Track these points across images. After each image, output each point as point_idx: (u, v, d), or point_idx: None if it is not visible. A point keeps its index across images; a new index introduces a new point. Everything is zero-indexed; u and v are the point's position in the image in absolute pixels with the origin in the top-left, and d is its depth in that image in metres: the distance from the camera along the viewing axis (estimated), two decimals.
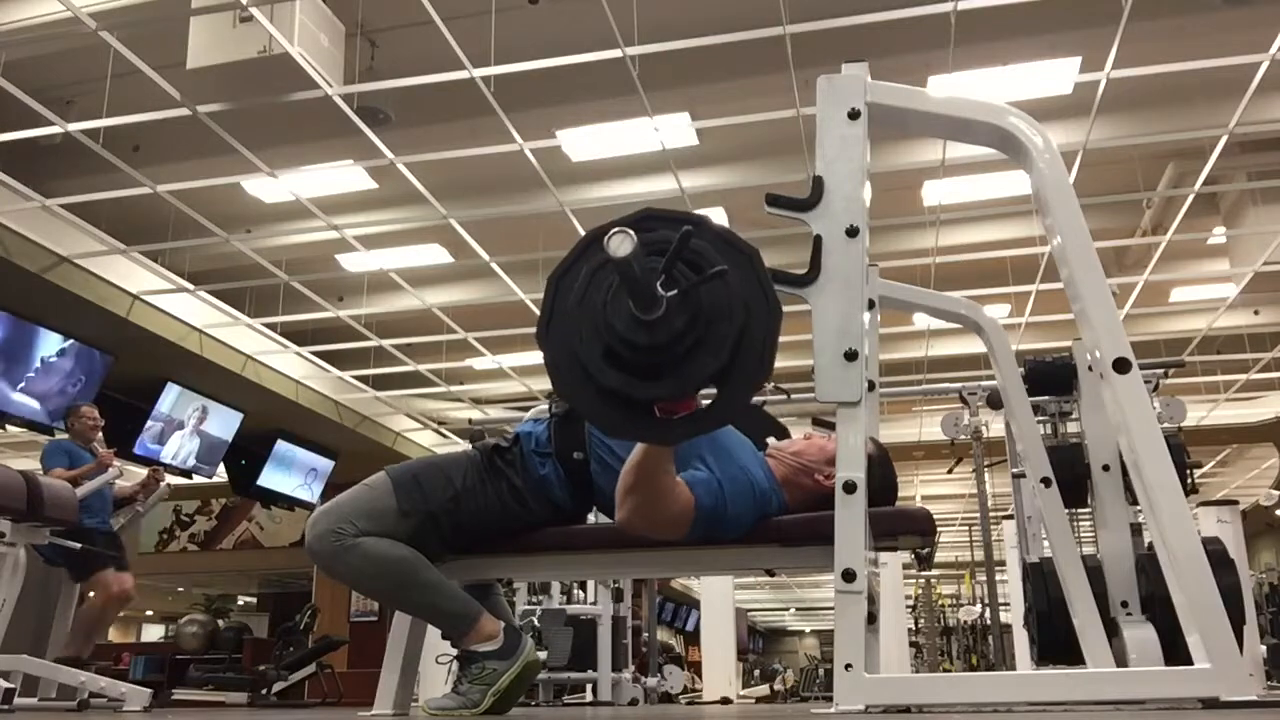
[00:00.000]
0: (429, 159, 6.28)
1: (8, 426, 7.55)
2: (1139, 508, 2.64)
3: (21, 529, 3.68)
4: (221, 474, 10.26)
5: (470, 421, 7.61)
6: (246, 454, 10.23)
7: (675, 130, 6.17)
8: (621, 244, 1.43)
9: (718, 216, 7.25)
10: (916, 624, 13.38)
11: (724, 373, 1.57)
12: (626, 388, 1.58)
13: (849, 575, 1.62)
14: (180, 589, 17.33)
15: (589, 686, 6.72)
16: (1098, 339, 1.68)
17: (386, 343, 9.26)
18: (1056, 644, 3.35)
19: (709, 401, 1.64)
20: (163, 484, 5.87)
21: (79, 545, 4.44)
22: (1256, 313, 9.07)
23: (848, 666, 1.59)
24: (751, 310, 1.58)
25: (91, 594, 5.38)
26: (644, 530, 1.87)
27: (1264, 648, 7.94)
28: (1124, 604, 3.18)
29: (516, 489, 2.04)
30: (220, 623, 10.35)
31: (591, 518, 2.22)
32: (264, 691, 7.59)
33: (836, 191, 1.75)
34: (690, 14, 5.37)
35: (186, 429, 9.06)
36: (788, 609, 31.59)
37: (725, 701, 8.70)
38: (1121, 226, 7.95)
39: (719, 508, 1.89)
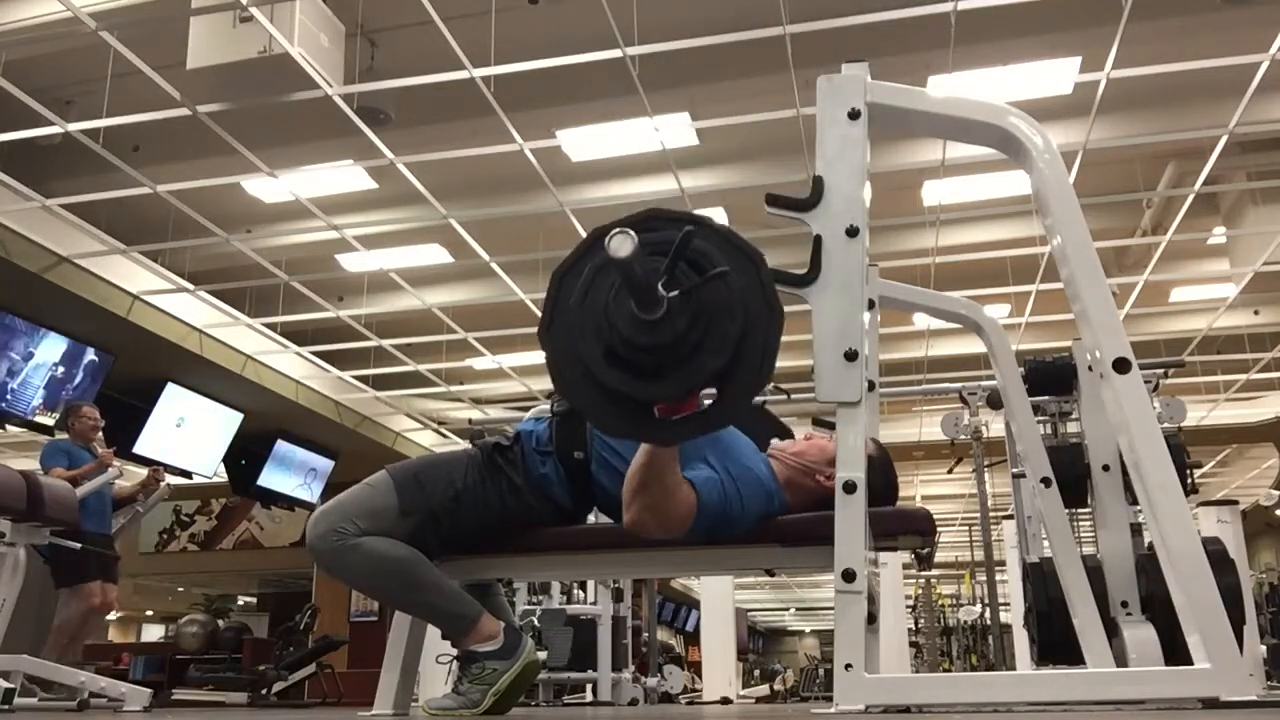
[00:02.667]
0: (429, 159, 6.28)
1: (8, 426, 7.55)
2: (1139, 508, 2.64)
3: (21, 529, 3.68)
4: (221, 474, 10.26)
5: (470, 421, 7.61)
6: (246, 454, 10.23)
7: (675, 130, 6.16)
8: (622, 244, 1.43)
9: (718, 216, 7.24)
10: (916, 624, 13.38)
11: (725, 374, 1.57)
12: (627, 388, 1.57)
13: (849, 575, 1.62)
14: (180, 589, 17.33)
15: (589, 686, 6.72)
16: (1098, 339, 1.68)
17: (386, 343, 9.26)
18: (1056, 644, 3.35)
19: (710, 403, 1.64)
20: (163, 484, 5.87)
21: (79, 545, 4.44)
22: (1256, 313, 9.07)
23: (848, 666, 1.59)
24: (753, 312, 1.58)
25: (71, 603, 5.35)
26: (653, 530, 1.87)
27: (1264, 648, 7.94)
28: (1124, 604, 3.18)
29: (516, 488, 2.03)
30: (220, 623, 10.33)
31: (591, 518, 2.21)
32: (264, 691, 7.58)
33: (836, 191, 1.75)
34: (690, 14, 5.37)
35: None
36: (788, 609, 31.59)
37: (725, 701, 8.69)
38: (1121, 226, 7.95)
39: (725, 505, 1.89)
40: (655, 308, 1.51)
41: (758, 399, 2.41)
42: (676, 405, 1.62)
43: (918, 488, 14.33)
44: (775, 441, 2.14)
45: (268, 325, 8.96)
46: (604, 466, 2.02)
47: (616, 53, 5.08)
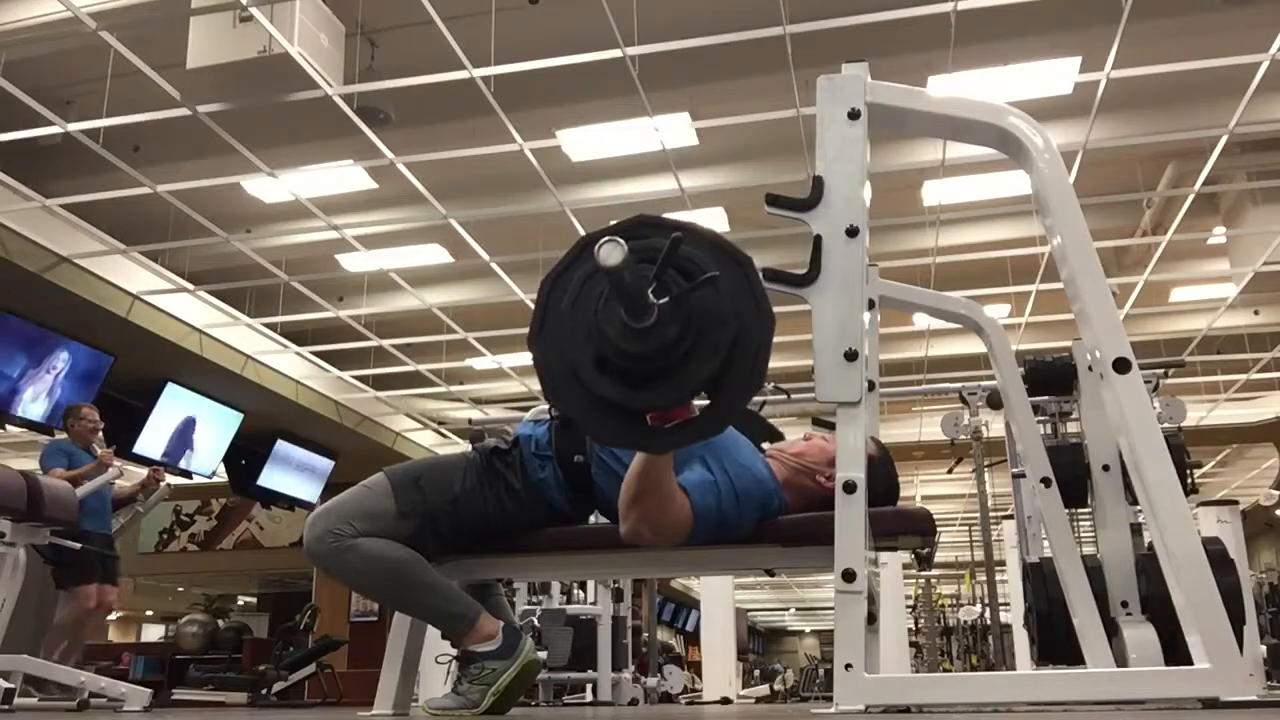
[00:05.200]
0: (429, 159, 6.28)
1: (8, 426, 7.55)
2: (1139, 508, 2.64)
3: (21, 529, 3.68)
4: (222, 474, 10.26)
5: (470, 421, 7.61)
6: (246, 454, 10.23)
7: (675, 130, 6.16)
8: (612, 253, 1.42)
9: (718, 216, 7.25)
10: (916, 624, 13.38)
11: (717, 380, 1.57)
12: (618, 396, 1.57)
13: (849, 575, 1.62)
14: (180, 589, 17.33)
15: (589, 686, 6.72)
16: (1098, 339, 1.68)
17: (386, 343, 9.26)
18: (1056, 644, 3.34)
19: (702, 409, 1.64)
20: (162, 484, 5.88)
21: (79, 545, 4.44)
22: (1256, 313, 9.07)
23: (848, 666, 1.59)
24: (744, 317, 1.57)
25: (70, 604, 5.35)
26: (650, 539, 1.87)
27: (1264, 648, 7.93)
28: (1124, 604, 3.18)
29: (515, 491, 2.03)
30: (220, 623, 10.35)
31: (591, 519, 2.21)
32: (264, 691, 7.58)
33: (836, 191, 1.75)
34: (690, 14, 5.37)
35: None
36: (788, 609, 31.59)
37: (725, 701, 8.69)
38: (1121, 226, 7.95)
39: (721, 508, 1.89)
40: (645, 315, 1.50)
41: (756, 400, 2.41)
42: (669, 412, 1.61)
43: (918, 488, 14.33)
44: (774, 443, 2.14)
45: (268, 325, 8.96)
46: (603, 470, 2.01)
47: (616, 53, 5.08)
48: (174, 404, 8.86)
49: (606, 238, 1.43)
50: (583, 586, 7.08)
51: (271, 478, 10.51)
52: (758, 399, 2.41)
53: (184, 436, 9.09)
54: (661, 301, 1.51)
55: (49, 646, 5.22)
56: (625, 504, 1.84)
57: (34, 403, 7.39)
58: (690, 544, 1.90)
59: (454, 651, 2.01)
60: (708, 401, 1.62)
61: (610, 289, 1.52)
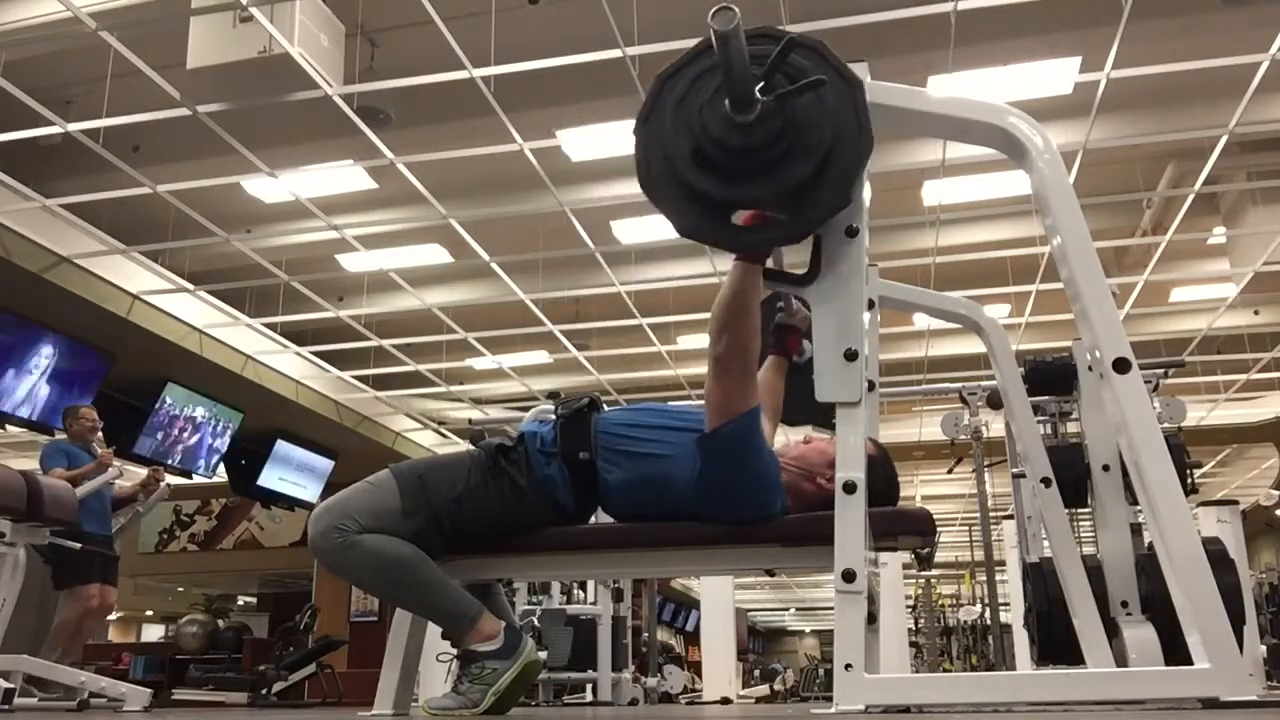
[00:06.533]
0: (429, 159, 6.28)
1: (7, 426, 7.55)
2: (1139, 508, 2.64)
3: (21, 529, 3.68)
4: (222, 474, 10.26)
5: (470, 421, 7.61)
6: (246, 454, 10.23)
7: None
8: (728, 19, 1.45)
9: None
10: (916, 624, 13.38)
11: (808, 185, 1.59)
12: (709, 187, 1.59)
13: (849, 575, 1.62)
14: (180, 589, 17.33)
15: (589, 686, 6.72)
16: (1098, 339, 1.68)
17: (386, 343, 9.26)
18: (1056, 644, 3.35)
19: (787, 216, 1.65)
20: (162, 484, 5.87)
21: (79, 545, 4.44)
22: (1256, 313, 9.07)
23: (848, 666, 1.59)
24: (843, 131, 1.60)
25: (70, 605, 5.34)
26: (735, 372, 1.85)
27: (1264, 648, 7.93)
28: (1124, 604, 3.18)
29: (520, 488, 2.03)
30: (220, 623, 10.36)
31: (593, 519, 2.21)
32: (264, 691, 7.58)
33: None
34: (690, 14, 5.33)
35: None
36: (788, 609, 31.59)
37: (725, 701, 8.69)
38: (1121, 226, 7.95)
39: (759, 437, 1.90)
40: (749, 108, 1.53)
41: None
42: (759, 214, 1.63)
43: (918, 488, 14.33)
44: (775, 446, 2.14)
45: (268, 325, 8.96)
46: (609, 465, 2.02)
47: (616, 53, 5.08)
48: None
49: (723, 5, 1.45)
50: (583, 586, 7.08)
51: (271, 478, 10.51)
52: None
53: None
54: (766, 99, 1.53)
55: (51, 645, 5.22)
56: (717, 327, 1.83)
57: (34, 403, 7.39)
58: (718, 448, 1.87)
59: (454, 651, 2.01)
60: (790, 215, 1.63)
61: (718, 72, 1.55)
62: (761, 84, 1.54)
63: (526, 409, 6.66)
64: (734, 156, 1.57)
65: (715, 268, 7.64)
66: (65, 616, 5.34)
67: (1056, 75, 5.74)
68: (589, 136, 6.40)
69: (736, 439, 1.87)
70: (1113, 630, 3.08)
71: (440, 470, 2.04)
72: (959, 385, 6.05)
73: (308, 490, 10.96)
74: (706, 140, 1.58)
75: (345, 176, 6.75)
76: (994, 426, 6.31)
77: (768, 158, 1.57)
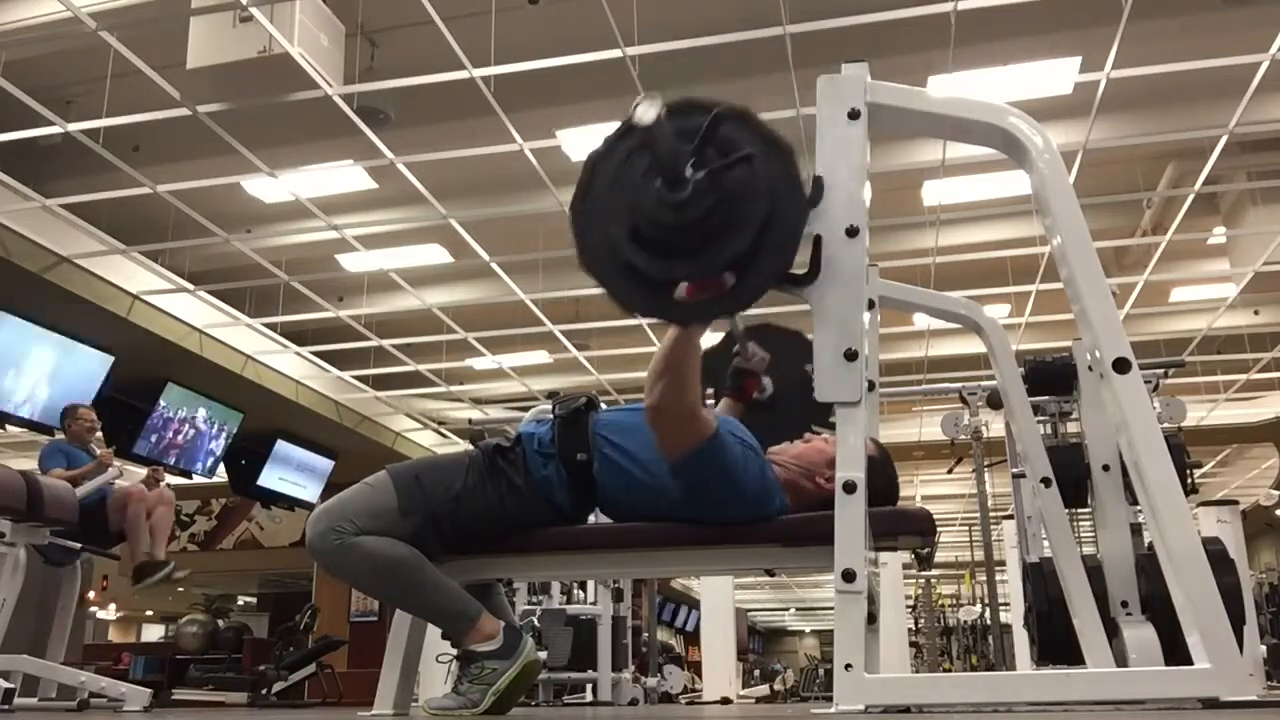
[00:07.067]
0: (429, 159, 6.28)
1: (7, 426, 7.55)
2: (1139, 508, 2.64)
3: (21, 529, 3.68)
4: (222, 474, 10.26)
5: (470, 421, 7.61)
6: (246, 454, 10.23)
7: None
8: (648, 110, 1.46)
9: None
10: (916, 624, 13.38)
11: (746, 258, 1.59)
12: (647, 264, 1.60)
13: (849, 575, 1.62)
14: (180, 589, 17.27)
15: (589, 686, 6.72)
16: (1098, 339, 1.67)
17: (386, 343, 9.26)
18: (1056, 644, 3.35)
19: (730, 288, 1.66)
20: (162, 484, 5.86)
21: (79, 545, 4.43)
22: (1256, 313, 9.07)
23: (848, 666, 1.59)
24: (778, 199, 1.60)
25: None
26: (669, 419, 1.86)
27: (1264, 648, 7.93)
28: (1124, 604, 3.18)
29: (517, 489, 2.03)
30: (220, 623, 10.35)
31: (592, 519, 2.21)
32: (264, 691, 7.58)
33: (836, 191, 1.75)
34: (690, 14, 5.36)
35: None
36: (788, 609, 31.59)
37: (725, 701, 8.69)
38: (1121, 226, 7.95)
39: (732, 459, 1.90)
40: (681, 187, 1.53)
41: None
42: (700, 286, 1.64)
43: (918, 488, 14.33)
44: (774, 447, 2.14)
45: (268, 325, 8.96)
46: (607, 467, 2.01)
47: (616, 53, 5.07)
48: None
49: (645, 97, 1.46)
50: (583, 586, 7.07)
51: (271, 478, 10.51)
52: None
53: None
54: (698, 176, 1.53)
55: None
56: (651, 379, 1.85)
57: (34, 403, 7.39)
58: (695, 491, 1.90)
59: (454, 651, 2.02)
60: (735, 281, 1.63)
61: (648, 159, 1.55)
62: (693, 159, 1.55)
63: (526, 409, 6.66)
64: (671, 233, 1.58)
65: None
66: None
67: (1056, 75, 5.74)
68: (589, 136, 6.39)
69: (703, 467, 1.89)
70: (1113, 630, 3.08)
71: (437, 470, 2.05)
72: (959, 385, 6.04)
73: (308, 490, 10.96)
74: (643, 219, 1.59)
75: (345, 176, 6.75)
76: (994, 426, 6.31)
77: (705, 232, 1.57)
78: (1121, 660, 2.99)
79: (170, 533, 5.41)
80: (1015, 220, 7.54)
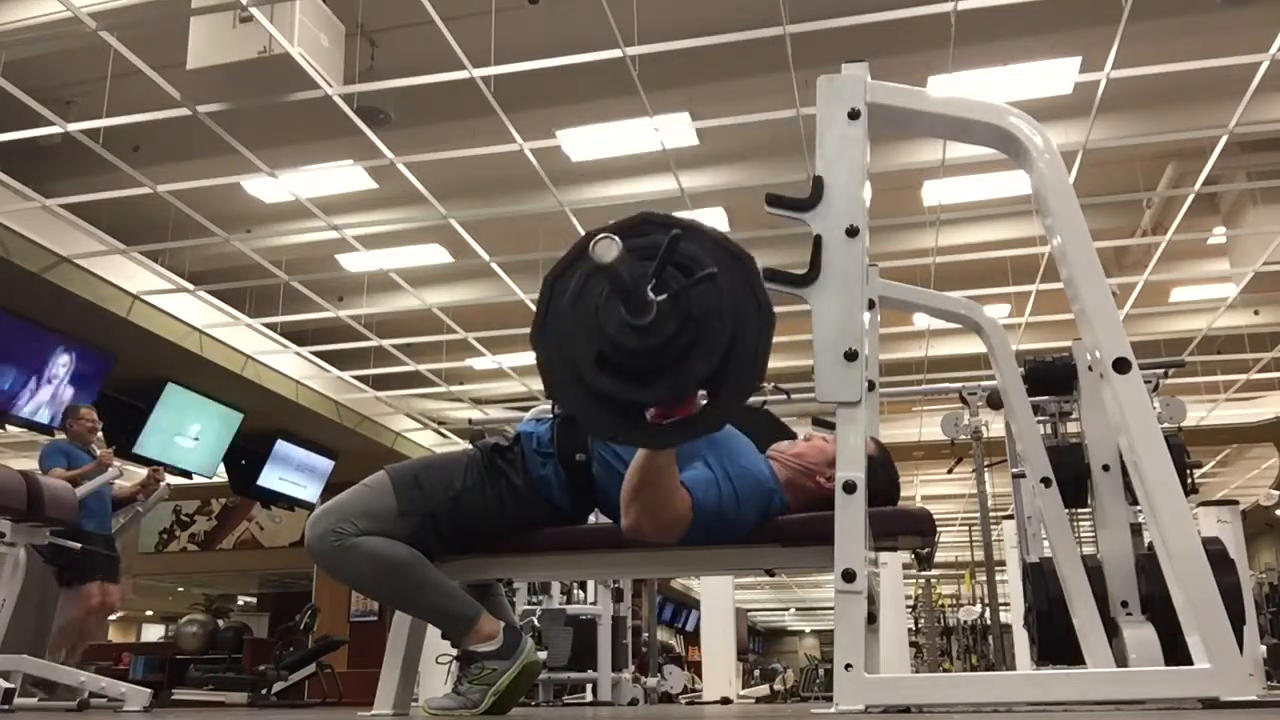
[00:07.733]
0: (429, 159, 6.28)
1: (8, 426, 7.55)
2: (1139, 508, 2.64)
3: (21, 529, 3.68)
4: (222, 474, 10.26)
5: (470, 421, 7.61)
6: (246, 454, 10.23)
7: (675, 130, 6.16)
8: (608, 250, 1.43)
9: (718, 216, 7.25)
10: (916, 624, 13.37)
11: (715, 377, 1.57)
12: (617, 391, 1.57)
13: (849, 575, 1.62)
14: (180, 589, 17.33)
15: (589, 686, 6.72)
16: (1098, 339, 1.68)
17: (386, 343, 9.26)
18: (1056, 644, 3.34)
19: (702, 405, 1.64)
20: (162, 484, 5.88)
21: (79, 545, 4.43)
22: (1256, 313, 9.07)
23: (848, 666, 1.59)
24: (743, 314, 1.57)
25: (71, 605, 5.34)
26: (650, 535, 1.87)
27: (1264, 648, 7.93)
28: (1124, 604, 3.18)
29: (516, 489, 2.03)
30: (220, 623, 10.35)
31: (591, 519, 2.21)
32: (264, 691, 7.59)
33: (836, 191, 1.75)
34: (690, 14, 5.36)
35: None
36: (788, 609, 31.58)
37: (725, 701, 8.69)
38: (1121, 226, 7.94)
39: (721, 506, 1.89)
40: (644, 312, 1.50)
41: (756, 400, 2.41)
42: (670, 409, 1.61)
43: (918, 488, 14.33)
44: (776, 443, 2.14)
45: (268, 325, 8.96)
46: (605, 468, 2.01)
47: (616, 53, 5.07)
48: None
49: (602, 235, 1.43)
50: (583, 586, 7.07)
51: (271, 478, 10.51)
52: (757, 399, 2.42)
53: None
54: (660, 298, 1.51)
55: (54, 648, 5.22)
56: (626, 498, 1.84)
57: (34, 403, 7.39)
58: (689, 542, 1.90)
59: (454, 651, 2.01)
60: (707, 399, 1.62)
61: (609, 286, 1.52)
62: (653, 282, 1.52)
63: (526, 409, 6.65)
64: (636, 358, 1.55)
65: None
66: (69, 616, 5.34)
67: (1056, 75, 5.74)
68: (589, 136, 6.40)
69: (695, 534, 1.88)
70: (1113, 630, 3.08)
71: (436, 470, 2.04)
72: (959, 385, 6.04)
73: (308, 490, 10.96)
74: (606, 344, 1.55)
75: (345, 176, 6.75)
76: (994, 426, 6.31)
77: (671, 356, 1.54)
78: (1121, 660, 2.98)
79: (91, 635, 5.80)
80: (1015, 220, 7.54)
